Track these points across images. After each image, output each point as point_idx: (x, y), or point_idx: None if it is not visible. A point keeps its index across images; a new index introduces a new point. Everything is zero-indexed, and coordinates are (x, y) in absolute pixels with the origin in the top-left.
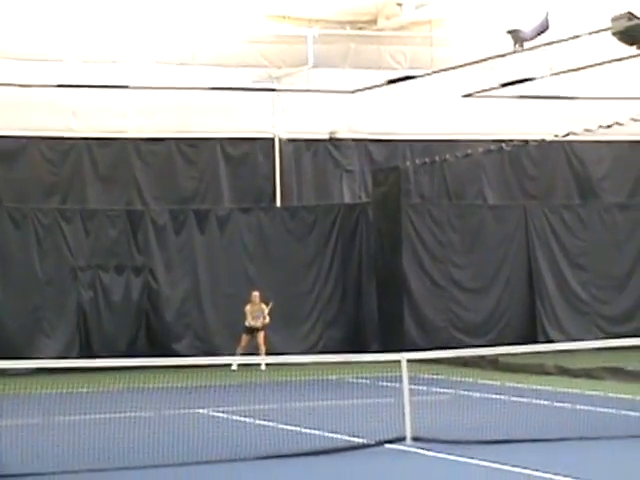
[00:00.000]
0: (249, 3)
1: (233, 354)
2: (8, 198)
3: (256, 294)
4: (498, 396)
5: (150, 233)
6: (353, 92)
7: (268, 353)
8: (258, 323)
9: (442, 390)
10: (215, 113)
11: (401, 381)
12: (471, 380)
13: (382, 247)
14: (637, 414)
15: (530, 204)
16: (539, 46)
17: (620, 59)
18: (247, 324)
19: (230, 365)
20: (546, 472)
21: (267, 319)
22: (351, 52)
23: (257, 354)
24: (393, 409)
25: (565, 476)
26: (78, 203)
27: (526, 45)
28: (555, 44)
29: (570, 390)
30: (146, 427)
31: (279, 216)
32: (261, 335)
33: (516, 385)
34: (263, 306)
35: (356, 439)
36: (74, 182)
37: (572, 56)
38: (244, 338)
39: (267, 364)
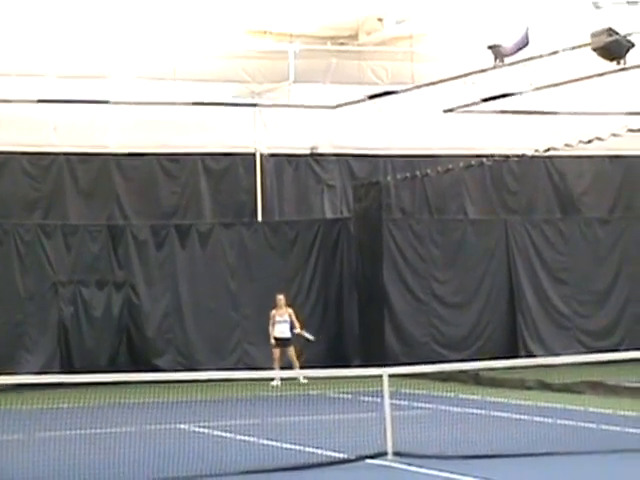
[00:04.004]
0: (230, 18)
1: (215, 368)
2: None
3: (281, 297)
4: (479, 411)
5: (131, 248)
6: (334, 107)
7: (259, 368)
8: (283, 332)
9: (423, 405)
10: (196, 128)
11: (382, 396)
12: (452, 395)
13: (363, 262)
14: (617, 428)
15: (511, 219)
16: (520, 61)
17: (600, 74)
18: (276, 335)
19: (272, 380)
20: None
21: (297, 327)
22: (332, 67)
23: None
24: (374, 424)
25: None
26: (59, 218)
27: (507, 60)
28: (535, 59)
29: (551, 405)
30: (127, 442)
31: (260, 231)
32: (291, 350)
33: (497, 400)
34: (290, 310)
35: (337, 454)
36: (55, 197)
37: (552, 71)
38: (275, 351)
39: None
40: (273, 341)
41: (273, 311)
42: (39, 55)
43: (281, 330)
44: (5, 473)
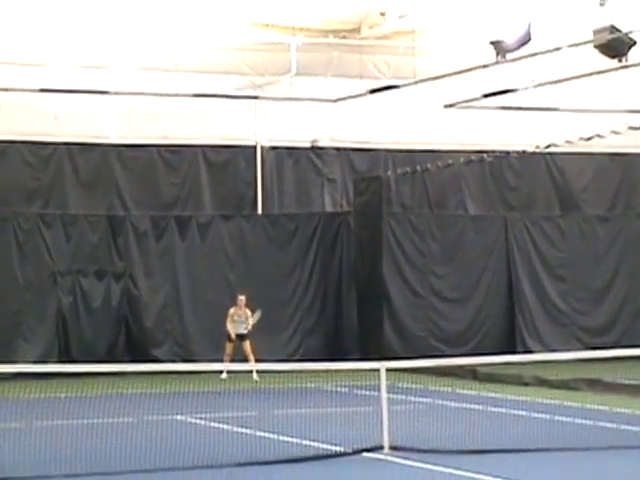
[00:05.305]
0: (233, 10)
1: (213, 360)
2: None
3: (242, 298)
4: (476, 406)
5: (131, 239)
6: (335, 101)
7: (258, 360)
8: (241, 330)
9: (420, 399)
10: (197, 120)
11: (379, 390)
12: (449, 390)
13: (363, 256)
14: (614, 426)
15: (511, 215)
16: (521, 57)
17: (601, 72)
18: (230, 331)
19: (221, 372)
20: None
21: (249, 327)
22: (334, 61)
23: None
24: (371, 418)
25: None
26: (59, 208)
27: (508, 56)
28: (537, 56)
29: (548, 401)
30: (124, 433)
31: (260, 223)
32: (247, 344)
33: (494, 395)
34: (248, 312)
35: (334, 447)
36: (55, 187)
37: (554, 68)
38: (228, 346)
39: (247, 371)
40: (233, 336)
41: (232, 309)
42: (41, 44)
43: (237, 328)
44: (2, 461)
